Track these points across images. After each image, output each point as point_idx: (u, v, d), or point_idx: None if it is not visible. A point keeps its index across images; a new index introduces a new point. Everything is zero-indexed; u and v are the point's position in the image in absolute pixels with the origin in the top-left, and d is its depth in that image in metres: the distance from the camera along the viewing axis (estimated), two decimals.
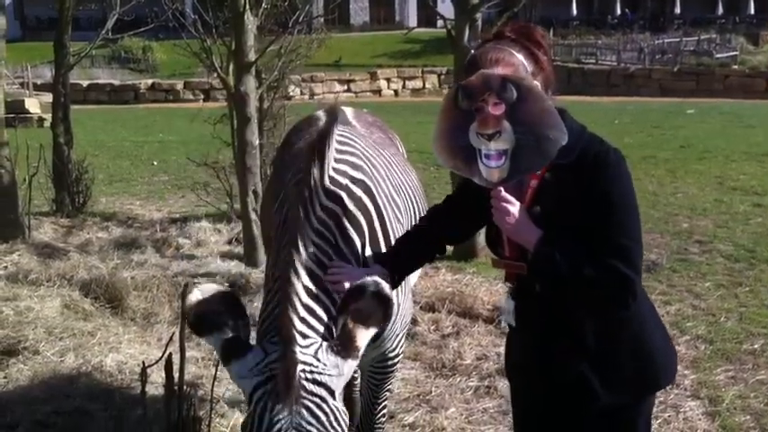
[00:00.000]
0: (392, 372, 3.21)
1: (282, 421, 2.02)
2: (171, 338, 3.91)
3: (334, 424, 2.06)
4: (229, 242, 8.29)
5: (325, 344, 2.17)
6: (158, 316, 6.06)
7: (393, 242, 2.76)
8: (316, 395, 2.06)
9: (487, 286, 6.53)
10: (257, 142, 7.24)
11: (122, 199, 11.51)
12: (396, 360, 3.17)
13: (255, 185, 7.16)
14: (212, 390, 4.17)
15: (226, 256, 7.64)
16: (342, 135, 3.04)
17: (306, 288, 2.30)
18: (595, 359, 2.31)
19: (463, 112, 2.18)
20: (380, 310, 2.15)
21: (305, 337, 2.18)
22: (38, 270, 6.70)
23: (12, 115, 22.28)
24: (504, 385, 4.97)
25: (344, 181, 2.73)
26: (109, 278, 6.28)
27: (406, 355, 5.14)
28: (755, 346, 5.50)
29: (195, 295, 2.19)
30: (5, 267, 7.06)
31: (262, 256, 6.85)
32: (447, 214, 2.61)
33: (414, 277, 3.36)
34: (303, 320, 2.22)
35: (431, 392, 4.85)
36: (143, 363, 3.83)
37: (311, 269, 2.34)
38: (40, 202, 9.88)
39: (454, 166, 2.26)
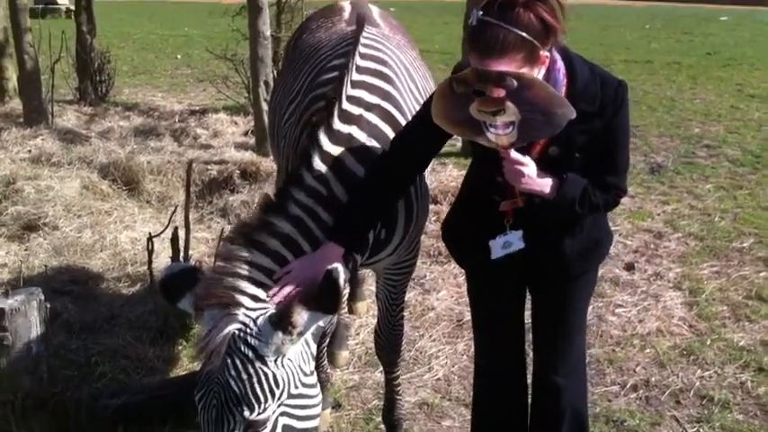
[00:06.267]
0: (408, 273, 3.14)
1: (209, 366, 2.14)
2: (174, 212, 4.15)
3: (256, 386, 2.08)
4: (245, 134, 8.50)
5: (269, 312, 2.17)
6: (173, 199, 6.32)
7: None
8: (242, 353, 2.10)
9: None
10: (269, 32, 7.33)
11: (145, 90, 11.73)
12: (412, 262, 3.10)
13: (267, 76, 7.29)
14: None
15: (240, 146, 7.82)
16: (370, 42, 2.95)
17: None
18: (587, 239, 2.60)
19: (461, 95, 2.11)
20: (327, 298, 2.11)
21: (257, 300, 2.21)
22: (59, 153, 6.96)
23: (40, 6, 22.49)
24: None
25: (361, 110, 2.60)
26: (126, 162, 6.53)
27: None
28: (744, 245, 5.67)
29: (166, 270, 2.36)
30: (29, 151, 7.32)
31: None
32: (406, 149, 2.48)
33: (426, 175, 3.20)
34: (261, 285, 2.24)
35: (425, 277, 5.10)
36: (149, 234, 4.08)
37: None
38: (65, 91, 10.14)
39: (459, 133, 2.26)
